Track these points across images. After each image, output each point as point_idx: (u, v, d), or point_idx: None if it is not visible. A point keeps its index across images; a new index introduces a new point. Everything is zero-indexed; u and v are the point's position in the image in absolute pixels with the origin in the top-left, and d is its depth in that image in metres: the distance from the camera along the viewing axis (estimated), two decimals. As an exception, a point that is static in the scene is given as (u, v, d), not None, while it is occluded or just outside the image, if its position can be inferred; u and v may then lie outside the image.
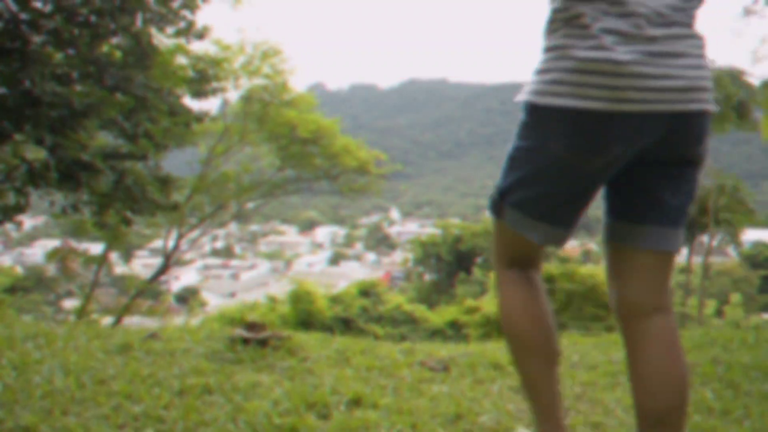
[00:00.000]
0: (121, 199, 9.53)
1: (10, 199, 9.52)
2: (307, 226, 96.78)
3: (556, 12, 1.46)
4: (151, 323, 22.39)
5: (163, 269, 14.67)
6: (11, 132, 7.51)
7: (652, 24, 1.38)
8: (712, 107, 1.45)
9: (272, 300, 17.45)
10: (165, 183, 10.31)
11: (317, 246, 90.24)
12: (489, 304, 14.50)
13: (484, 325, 14.59)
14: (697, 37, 1.45)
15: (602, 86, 1.35)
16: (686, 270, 17.87)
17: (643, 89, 1.35)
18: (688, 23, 1.45)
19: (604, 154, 1.42)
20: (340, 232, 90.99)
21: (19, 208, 9.66)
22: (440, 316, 16.58)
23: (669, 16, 1.41)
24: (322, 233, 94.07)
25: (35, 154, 7.63)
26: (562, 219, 1.55)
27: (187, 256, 15.13)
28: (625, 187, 1.54)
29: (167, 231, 14.30)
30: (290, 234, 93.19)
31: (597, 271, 15.48)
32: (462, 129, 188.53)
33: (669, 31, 1.40)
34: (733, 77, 13.69)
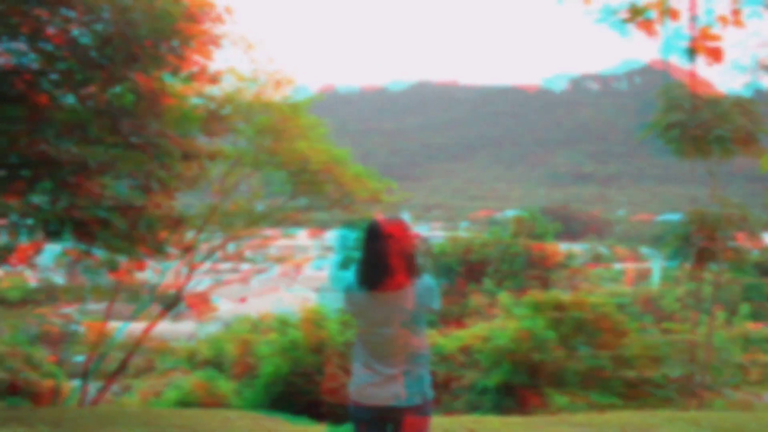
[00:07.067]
0: (133, 243, 9.54)
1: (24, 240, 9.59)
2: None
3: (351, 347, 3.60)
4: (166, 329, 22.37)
5: (175, 302, 14.75)
6: (26, 191, 7.56)
7: (381, 373, 3.35)
8: (405, 404, 3.31)
9: (283, 323, 17.43)
10: (178, 224, 10.33)
11: (327, 249, 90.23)
12: (500, 336, 14.47)
13: (496, 354, 14.62)
14: (408, 375, 3.34)
15: (356, 392, 3.39)
16: (696, 276, 17.27)
17: (370, 395, 3.35)
18: (401, 372, 3.34)
19: (366, 415, 3.37)
20: (350, 235, 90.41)
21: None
22: (451, 341, 16.56)
23: (391, 373, 3.33)
24: (332, 236, 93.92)
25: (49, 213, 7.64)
26: None
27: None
28: None
29: (177, 265, 14.36)
30: (300, 237, 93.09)
31: (605, 299, 15.45)
32: (471, 131, 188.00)
33: (388, 376, 3.34)
34: (741, 107, 13.55)
